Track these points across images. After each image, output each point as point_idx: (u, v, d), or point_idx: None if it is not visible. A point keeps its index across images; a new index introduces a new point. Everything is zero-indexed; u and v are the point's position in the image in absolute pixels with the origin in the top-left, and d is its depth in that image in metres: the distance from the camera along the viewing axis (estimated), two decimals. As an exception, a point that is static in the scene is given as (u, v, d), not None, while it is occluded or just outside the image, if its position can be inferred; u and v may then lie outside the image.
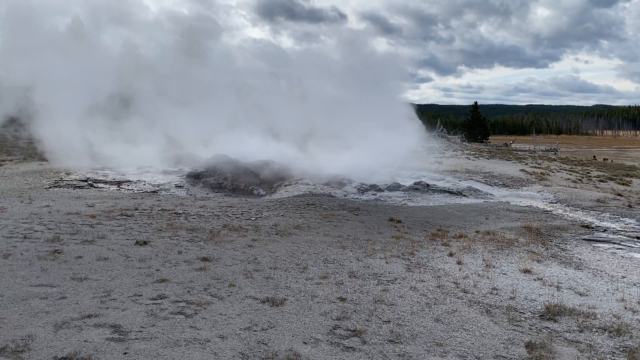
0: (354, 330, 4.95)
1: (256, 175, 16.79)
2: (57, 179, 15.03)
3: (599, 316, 5.73)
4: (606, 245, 9.29)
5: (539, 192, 15.98)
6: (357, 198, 14.07)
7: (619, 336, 5.19)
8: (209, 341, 4.53)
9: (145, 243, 7.88)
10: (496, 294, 6.38)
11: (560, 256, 8.43)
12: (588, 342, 5.04)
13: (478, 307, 5.88)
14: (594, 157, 38.50)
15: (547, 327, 5.37)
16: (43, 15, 20.30)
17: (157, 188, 15.09)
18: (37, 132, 17.99)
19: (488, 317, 5.56)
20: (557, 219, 11.55)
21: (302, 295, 5.93)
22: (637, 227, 10.96)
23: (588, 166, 25.92)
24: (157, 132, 20.28)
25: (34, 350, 4.17)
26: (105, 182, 15.31)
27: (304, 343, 4.62)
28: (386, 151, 19.65)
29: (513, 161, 25.66)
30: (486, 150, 34.84)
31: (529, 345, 4.83)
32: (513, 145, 53.47)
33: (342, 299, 5.84)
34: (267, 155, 18.28)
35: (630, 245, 9.39)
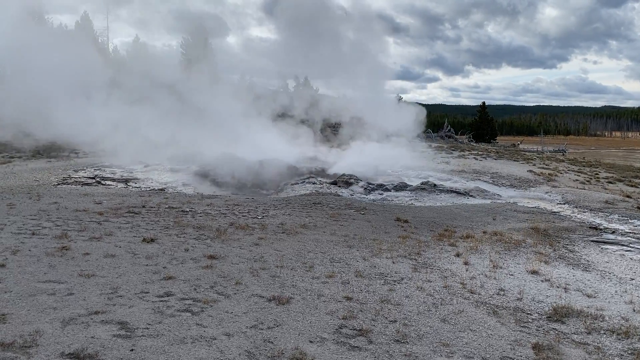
0: (360, 330, 4.94)
1: (263, 174, 16.80)
2: (65, 176, 15.10)
3: (607, 318, 5.69)
4: (614, 247, 9.22)
5: (546, 193, 15.88)
6: (364, 197, 14.05)
7: (627, 338, 5.15)
8: (215, 339, 4.54)
9: (152, 240, 7.91)
10: (503, 294, 6.35)
11: (568, 257, 8.37)
12: (596, 344, 5.01)
13: (485, 307, 5.85)
14: (584, 157, 38.17)
15: (555, 329, 5.34)
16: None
17: (164, 186, 15.13)
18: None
19: (495, 318, 5.53)
20: (565, 220, 11.48)
21: (308, 294, 5.92)
22: (646, 229, 10.86)
23: (596, 167, 25.74)
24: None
25: (41, 346, 4.20)
26: (113, 180, 15.37)
27: (310, 342, 4.62)
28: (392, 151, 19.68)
29: (521, 162, 25.51)
30: (494, 150, 34.68)
31: (536, 347, 4.80)
32: (521, 146, 53.22)
33: (349, 298, 5.83)
34: (275, 154, 18.29)
35: (639, 247, 9.30)
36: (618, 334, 5.24)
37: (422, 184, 15.72)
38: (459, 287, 6.53)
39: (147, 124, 19.02)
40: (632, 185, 19.14)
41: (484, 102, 65.81)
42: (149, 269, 6.50)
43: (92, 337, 4.41)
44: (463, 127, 66.20)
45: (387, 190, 15.11)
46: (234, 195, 14.41)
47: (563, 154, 42.18)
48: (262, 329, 4.83)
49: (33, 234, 7.99)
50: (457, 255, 8.05)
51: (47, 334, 4.41)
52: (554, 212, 12.64)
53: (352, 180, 15.69)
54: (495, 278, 6.99)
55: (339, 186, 15.21)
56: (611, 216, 12.25)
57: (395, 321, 5.25)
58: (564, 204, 13.99)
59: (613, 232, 10.39)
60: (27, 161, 17.91)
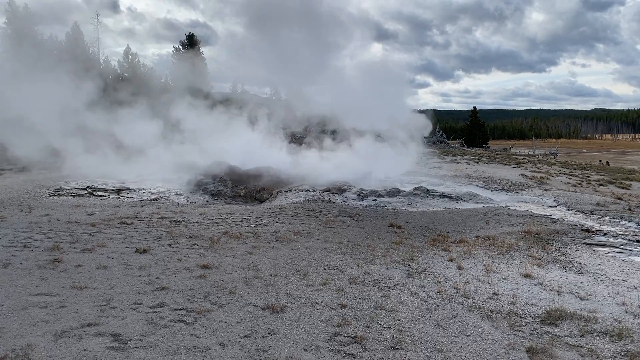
0: (354, 337, 4.94)
1: (256, 182, 16.79)
2: (56, 188, 15.02)
3: (600, 320, 5.71)
4: (606, 249, 9.27)
5: (538, 196, 15.97)
6: (357, 204, 14.06)
7: (620, 340, 5.17)
8: (209, 349, 4.52)
9: (145, 251, 7.87)
10: (497, 299, 6.37)
11: (561, 260, 8.41)
12: (589, 346, 5.03)
13: (479, 312, 5.86)
14: (600, 161, 38.47)
15: (548, 332, 5.35)
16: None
17: (156, 196, 15.09)
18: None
19: (489, 323, 5.55)
20: (557, 223, 11.54)
21: (302, 302, 5.91)
22: (638, 230, 10.93)
23: (587, 170, 25.92)
24: None
25: (33, 359, 4.16)
26: (105, 191, 15.30)
27: (305, 350, 4.61)
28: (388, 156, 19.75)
29: (512, 165, 25.66)
30: (485, 154, 34.87)
31: (530, 350, 4.81)
32: (512, 150, 53.54)
33: (343, 306, 5.83)
34: (267, 162, 18.29)
35: (630, 248, 9.36)
36: (611, 336, 5.27)
37: (415, 189, 15.76)
38: (453, 292, 6.55)
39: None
40: (623, 187, 19.29)
41: (475, 107, 66.33)
42: (142, 280, 6.46)
43: (84, 349, 4.38)
44: (455, 132, 66.54)
45: (380, 196, 15.14)
46: (227, 204, 14.40)
47: (555, 157, 42.46)
48: (256, 338, 4.81)
49: (24, 246, 7.93)
50: (451, 260, 8.06)
51: (39, 348, 4.37)
52: (546, 215, 12.71)
53: (345, 187, 15.71)
54: (488, 282, 7.01)
55: (332, 193, 15.22)
56: (603, 218, 12.33)
57: (390, 327, 5.25)
58: (556, 207, 14.07)
59: (605, 234, 10.45)
60: (19, 173, 17.78)
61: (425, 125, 22.19)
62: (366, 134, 20.59)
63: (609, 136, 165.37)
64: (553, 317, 5.69)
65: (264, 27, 20.39)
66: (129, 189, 15.69)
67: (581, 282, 7.22)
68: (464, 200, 14.88)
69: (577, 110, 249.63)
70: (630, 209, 13.67)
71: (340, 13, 21.70)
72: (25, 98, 17.80)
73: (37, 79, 18.31)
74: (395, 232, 10.10)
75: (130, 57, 43.52)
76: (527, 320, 5.67)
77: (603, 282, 7.28)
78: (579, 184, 19.74)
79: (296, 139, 25.46)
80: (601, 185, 19.77)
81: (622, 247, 9.47)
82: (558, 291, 6.73)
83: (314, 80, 21.45)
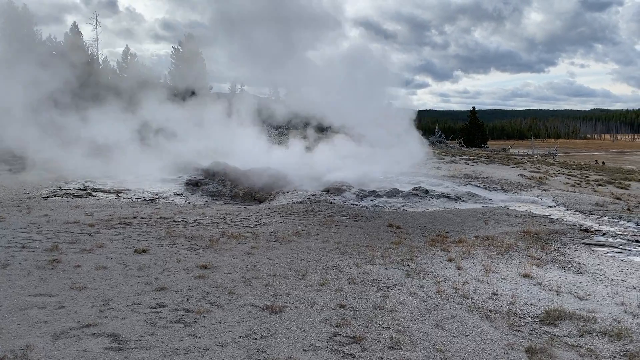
0: (353, 337, 4.94)
1: (255, 183, 16.80)
2: (55, 188, 15.00)
3: (599, 320, 5.72)
4: (605, 249, 9.28)
5: (537, 196, 15.98)
6: (356, 204, 14.06)
7: (619, 340, 5.18)
8: (208, 349, 4.51)
9: (144, 251, 7.86)
10: (496, 299, 6.37)
11: (560, 260, 8.42)
12: (588, 346, 5.03)
13: (478, 312, 5.86)
14: (596, 161, 38.43)
15: (547, 332, 5.36)
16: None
17: (155, 196, 15.07)
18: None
19: (488, 323, 5.55)
20: (556, 223, 11.55)
21: (301, 302, 5.91)
22: (636, 230, 10.95)
23: (586, 170, 25.95)
24: None
25: (32, 360, 4.16)
26: (104, 191, 15.29)
27: (304, 350, 4.61)
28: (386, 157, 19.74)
29: (512, 166, 25.65)
30: (484, 155, 34.88)
31: (529, 350, 4.82)
32: (511, 150, 53.55)
33: (342, 306, 5.82)
34: (266, 163, 18.29)
35: (629, 248, 9.37)
36: (610, 336, 5.27)
37: (414, 189, 15.76)
38: (452, 292, 6.55)
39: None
40: (621, 188, 19.32)
41: (474, 107, 66.31)
42: (141, 280, 6.46)
43: (83, 350, 4.37)
44: (454, 132, 66.55)
45: (379, 196, 15.14)
46: (226, 204, 14.40)
47: (553, 157, 42.50)
48: (255, 339, 4.81)
49: (23, 247, 7.92)
50: (450, 260, 8.07)
51: (37, 348, 4.37)
52: (545, 215, 12.72)
53: (344, 187, 15.71)
54: (487, 282, 7.01)
55: (331, 193, 15.22)
56: (602, 218, 12.34)
57: (389, 328, 5.25)
58: (555, 207, 14.08)
59: (604, 235, 10.47)
60: (17, 174, 17.75)
61: (411, 119, 22.11)
62: (363, 133, 20.55)
63: (607, 136, 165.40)
64: (552, 317, 5.69)
65: (233, 21, 20.08)
66: (128, 190, 15.67)
67: (580, 282, 7.22)
68: (463, 201, 14.89)
69: (576, 111, 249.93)
70: (629, 209, 13.69)
71: (311, 5, 21.25)
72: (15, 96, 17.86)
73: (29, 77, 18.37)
74: (395, 233, 10.10)
75: (129, 57, 43.47)
76: (526, 320, 5.68)
77: (602, 282, 7.29)
78: (578, 184, 19.75)
79: (287, 136, 25.47)
80: (600, 185, 19.79)
81: (621, 247, 9.48)
82: (557, 291, 6.74)
83: (285, 75, 21.23)
